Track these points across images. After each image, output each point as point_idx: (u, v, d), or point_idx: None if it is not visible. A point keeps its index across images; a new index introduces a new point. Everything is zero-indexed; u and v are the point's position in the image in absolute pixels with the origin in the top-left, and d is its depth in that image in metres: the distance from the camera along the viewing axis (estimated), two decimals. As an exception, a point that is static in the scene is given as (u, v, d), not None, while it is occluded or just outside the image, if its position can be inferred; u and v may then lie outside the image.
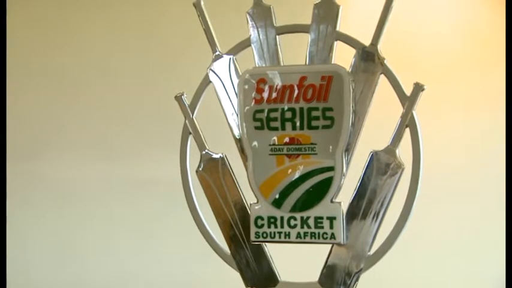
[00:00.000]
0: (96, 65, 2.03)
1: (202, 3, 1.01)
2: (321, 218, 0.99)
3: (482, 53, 2.01)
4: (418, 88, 0.92)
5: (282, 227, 1.01)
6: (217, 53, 1.03)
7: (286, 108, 0.99)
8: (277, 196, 1.00)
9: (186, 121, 1.04)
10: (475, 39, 2.01)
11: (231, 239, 1.04)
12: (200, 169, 1.04)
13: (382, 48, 0.98)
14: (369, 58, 0.97)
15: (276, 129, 1.00)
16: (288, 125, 0.99)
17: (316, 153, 0.99)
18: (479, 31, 2.00)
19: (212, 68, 1.03)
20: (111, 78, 2.01)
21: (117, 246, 2.01)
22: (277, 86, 1.00)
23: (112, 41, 2.02)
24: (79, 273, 2.05)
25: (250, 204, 1.01)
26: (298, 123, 0.99)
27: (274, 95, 1.00)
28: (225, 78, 1.02)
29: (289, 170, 1.00)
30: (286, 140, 1.00)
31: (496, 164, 1.80)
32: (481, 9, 2.01)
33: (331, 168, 0.99)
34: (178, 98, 1.04)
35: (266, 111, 1.00)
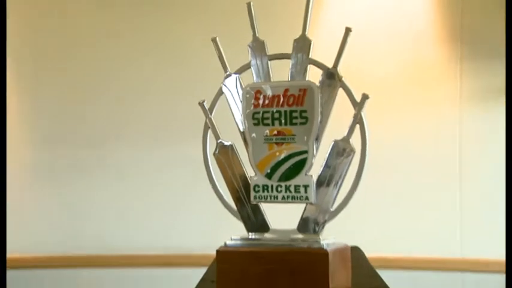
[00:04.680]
0: (150, 78, 2.08)
1: (217, 39, 1.12)
2: (299, 185, 1.05)
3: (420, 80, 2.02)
4: (365, 97, 1.01)
5: (272, 192, 1.06)
6: (228, 72, 1.13)
7: (275, 110, 1.06)
8: (268, 171, 1.06)
9: (206, 120, 1.13)
10: (413, 67, 2.01)
11: (237, 200, 1.11)
12: (216, 153, 1.12)
13: (341, 69, 1.05)
14: (331, 77, 1.09)
15: (268, 125, 1.06)
16: (276, 122, 1.05)
17: (295, 142, 1.05)
18: (418, 63, 2.00)
19: (224, 83, 1.13)
20: (159, 89, 2.07)
21: (165, 206, 2.02)
22: (268, 95, 1.07)
23: (161, 60, 2.05)
24: (136, 232, 2.07)
25: (250, 177, 1.09)
26: (283, 121, 1.05)
27: (266, 101, 1.07)
28: (233, 90, 1.12)
29: (277, 153, 1.06)
30: (275, 132, 1.06)
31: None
32: (421, 42, 2.01)
33: (305, 152, 1.05)
34: (201, 104, 1.14)
35: (261, 112, 1.07)
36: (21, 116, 2.14)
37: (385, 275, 1.24)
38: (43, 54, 2.16)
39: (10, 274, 2.08)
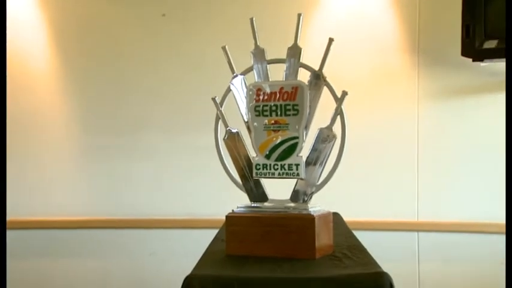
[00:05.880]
0: (174, 78, 2.16)
1: (226, 47, 1.05)
2: (291, 164, 1.11)
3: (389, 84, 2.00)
4: (344, 93, 1.03)
5: (270, 169, 1.11)
6: (235, 74, 1.19)
7: (272, 104, 1.12)
8: (267, 152, 1.12)
9: (218, 112, 1.20)
10: (385, 73, 1.99)
11: (242, 176, 1.17)
12: (225, 138, 1.25)
13: (325, 71, 1.08)
14: (317, 77, 1.13)
15: (267, 116, 1.11)
16: (274, 113, 1.11)
17: (289, 129, 1.11)
18: (384, 68, 2.00)
19: (232, 82, 1.21)
20: (180, 88, 2.12)
21: (185, 180, 2.07)
22: (267, 92, 1.17)
23: (182, 64, 2.14)
24: (162, 200, 2.05)
25: (253, 157, 1.15)
26: (279, 112, 1.11)
27: (266, 97, 1.15)
28: (239, 88, 1.23)
29: (274, 138, 1.11)
30: (272, 122, 1.12)
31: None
32: (387, 51, 1.97)
33: (297, 137, 1.11)
34: (213, 99, 1.24)
35: (261, 106, 1.13)
36: (71, 112, 2.15)
37: (358, 234, 1.26)
38: (91, 62, 2.16)
39: (65, 233, 2.10)
